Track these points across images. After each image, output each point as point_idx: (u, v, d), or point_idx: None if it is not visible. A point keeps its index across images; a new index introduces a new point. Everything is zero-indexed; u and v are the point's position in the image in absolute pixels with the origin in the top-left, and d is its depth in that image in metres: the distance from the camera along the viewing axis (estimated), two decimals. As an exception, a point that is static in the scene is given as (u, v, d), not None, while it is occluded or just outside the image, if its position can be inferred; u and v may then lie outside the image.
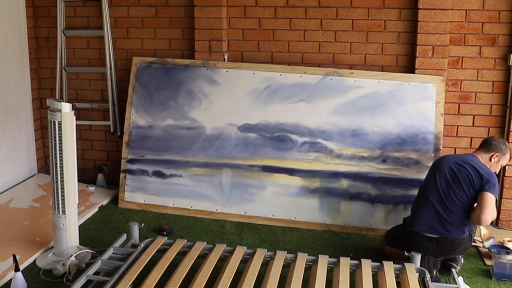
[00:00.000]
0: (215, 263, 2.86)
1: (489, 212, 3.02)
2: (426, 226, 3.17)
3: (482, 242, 3.53)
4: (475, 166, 3.15)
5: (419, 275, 2.86)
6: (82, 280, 2.73)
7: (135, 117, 4.23)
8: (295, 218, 3.90)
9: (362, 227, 3.82)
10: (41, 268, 3.19)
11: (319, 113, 3.92)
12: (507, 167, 3.84)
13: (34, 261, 3.29)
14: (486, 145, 3.29)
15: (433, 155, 3.77)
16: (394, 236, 3.38)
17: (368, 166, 3.84)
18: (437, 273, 3.08)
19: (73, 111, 3.13)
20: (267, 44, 4.19)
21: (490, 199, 3.04)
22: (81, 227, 3.67)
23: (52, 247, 3.39)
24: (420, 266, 3.02)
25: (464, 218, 3.14)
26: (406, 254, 3.11)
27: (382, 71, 4.02)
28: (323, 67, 4.06)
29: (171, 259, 2.88)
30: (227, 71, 4.11)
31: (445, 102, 3.86)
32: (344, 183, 3.86)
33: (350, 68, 4.04)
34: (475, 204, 3.12)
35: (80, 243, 3.41)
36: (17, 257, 2.92)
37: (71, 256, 3.16)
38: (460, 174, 3.15)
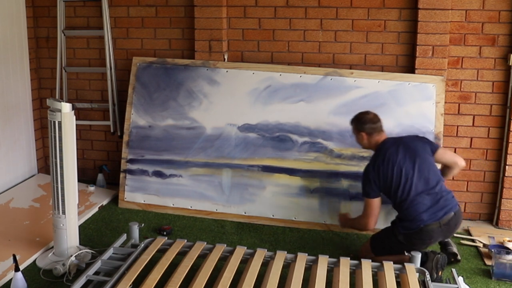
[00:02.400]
0: (215, 263, 2.86)
1: None
2: (431, 214, 3.09)
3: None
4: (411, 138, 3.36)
5: (419, 275, 2.86)
6: (82, 280, 2.72)
7: (135, 117, 4.23)
8: (295, 218, 3.90)
9: (362, 227, 3.81)
10: (41, 268, 3.19)
11: (319, 113, 3.92)
12: (507, 167, 3.84)
13: (34, 261, 3.29)
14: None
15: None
16: (390, 246, 3.22)
17: (368, 166, 3.84)
18: (442, 274, 3.08)
19: (73, 111, 3.13)
20: (267, 44, 4.20)
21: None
22: (81, 227, 3.67)
23: (52, 247, 3.39)
24: (424, 266, 2.98)
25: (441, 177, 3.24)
26: (406, 254, 3.11)
27: (382, 71, 4.02)
28: (323, 67, 4.07)
29: (171, 259, 2.88)
30: (227, 71, 4.11)
31: (445, 102, 3.87)
32: (344, 183, 3.86)
33: (350, 68, 4.04)
34: (441, 158, 3.29)
35: (80, 243, 3.41)
36: (17, 257, 2.92)
37: (71, 256, 3.16)
38: (412, 146, 3.23)
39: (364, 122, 3.31)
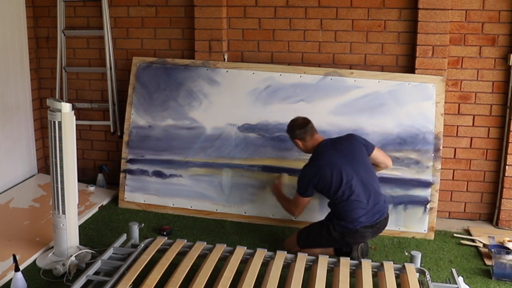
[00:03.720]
0: (215, 263, 2.86)
1: None
2: (368, 218, 3.18)
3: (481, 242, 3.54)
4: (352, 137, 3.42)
5: (419, 275, 2.86)
6: (82, 280, 2.73)
7: (135, 117, 4.23)
8: (295, 218, 3.90)
9: (362, 227, 3.81)
10: (41, 268, 3.19)
11: (319, 113, 3.92)
12: (507, 167, 3.84)
13: (34, 261, 3.29)
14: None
15: (433, 155, 3.77)
16: (321, 241, 3.29)
17: (368, 166, 3.84)
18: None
19: (73, 111, 3.13)
20: (267, 44, 4.19)
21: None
22: (81, 227, 3.67)
23: (52, 247, 3.39)
24: (350, 256, 3.10)
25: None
26: (406, 254, 3.11)
27: (382, 71, 4.02)
28: (323, 67, 4.06)
29: (171, 259, 2.88)
30: (227, 71, 4.11)
31: (445, 102, 3.86)
32: (344, 183, 3.86)
33: (350, 68, 4.04)
34: (376, 158, 3.39)
35: (80, 243, 3.41)
36: (17, 257, 2.92)
37: (71, 256, 3.16)
38: (349, 148, 3.31)
39: (293, 129, 3.42)
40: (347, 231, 3.19)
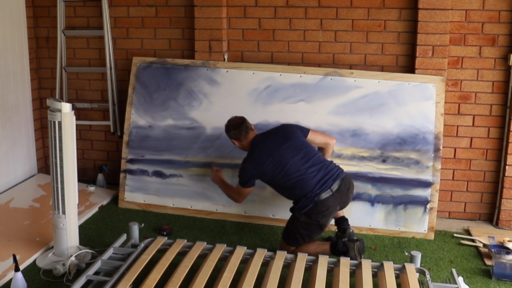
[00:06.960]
0: (215, 263, 2.86)
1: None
2: (321, 186, 3.19)
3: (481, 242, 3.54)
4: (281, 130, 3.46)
5: (419, 275, 2.86)
6: (82, 280, 2.73)
7: (135, 117, 4.23)
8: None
9: (362, 227, 3.81)
10: (41, 268, 3.19)
11: (319, 113, 3.92)
12: (507, 167, 3.84)
13: (34, 261, 3.29)
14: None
15: (433, 155, 3.77)
16: (301, 233, 3.27)
17: (368, 166, 3.84)
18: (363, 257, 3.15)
19: (73, 111, 3.13)
20: (267, 44, 4.19)
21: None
22: (81, 227, 3.67)
23: (52, 247, 3.39)
24: (347, 255, 3.07)
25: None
26: (406, 254, 3.11)
27: (382, 71, 4.02)
28: (323, 67, 4.07)
29: (171, 259, 2.88)
30: (227, 71, 4.11)
31: (445, 102, 3.86)
32: (344, 183, 3.86)
33: (350, 68, 4.04)
34: (313, 140, 3.46)
35: (80, 243, 3.41)
36: (17, 257, 2.92)
37: (71, 256, 3.16)
38: (281, 133, 3.37)
39: (228, 130, 3.50)
40: (310, 209, 3.20)
